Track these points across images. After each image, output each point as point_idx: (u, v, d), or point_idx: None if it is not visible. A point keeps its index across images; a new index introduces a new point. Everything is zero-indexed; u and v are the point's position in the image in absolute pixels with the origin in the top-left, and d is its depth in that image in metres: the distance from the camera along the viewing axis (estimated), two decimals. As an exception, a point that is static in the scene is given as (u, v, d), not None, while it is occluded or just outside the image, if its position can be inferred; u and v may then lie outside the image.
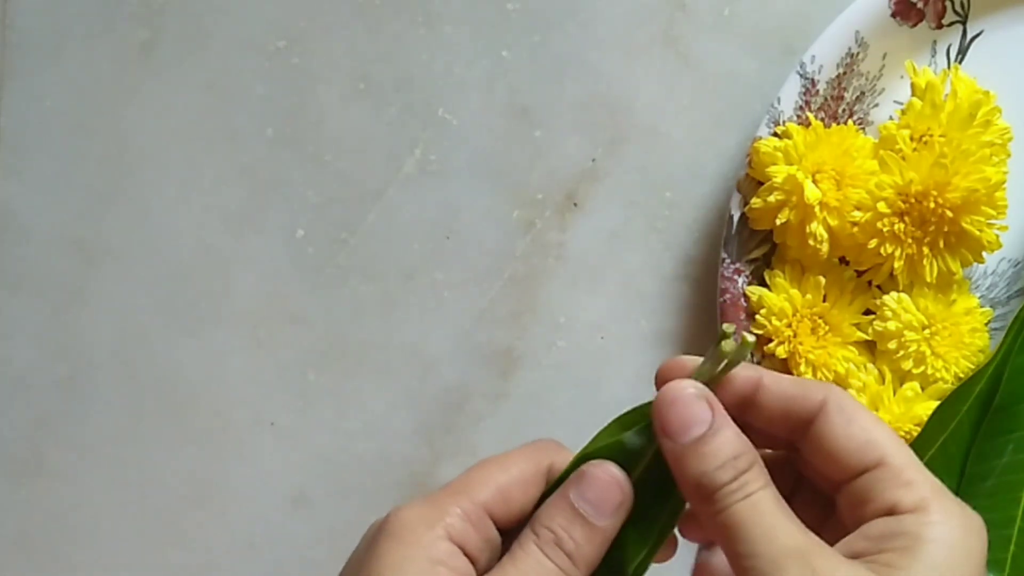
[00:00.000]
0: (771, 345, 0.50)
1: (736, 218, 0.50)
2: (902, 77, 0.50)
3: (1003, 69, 0.50)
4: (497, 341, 0.54)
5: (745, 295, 0.50)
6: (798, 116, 0.50)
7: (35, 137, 0.55)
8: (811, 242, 0.48)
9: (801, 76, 0.49)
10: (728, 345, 0.32)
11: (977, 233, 0.47)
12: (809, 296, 0.49)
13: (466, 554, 0.33)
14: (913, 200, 0.47)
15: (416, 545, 0.32)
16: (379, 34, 0.54)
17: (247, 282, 0.55)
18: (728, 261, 0.50)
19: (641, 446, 0.34)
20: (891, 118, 0.50)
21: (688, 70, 0.54)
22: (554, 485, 0.34)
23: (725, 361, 0.33)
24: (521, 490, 0.34)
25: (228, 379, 0.55)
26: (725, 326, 0.33)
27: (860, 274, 0.50)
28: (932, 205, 0.46)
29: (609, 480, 0.34)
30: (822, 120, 0.50)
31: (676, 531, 0.35)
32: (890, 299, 0.49)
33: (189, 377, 0.55)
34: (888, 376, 0.49)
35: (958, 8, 0.50)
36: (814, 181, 0.48)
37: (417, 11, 0.54)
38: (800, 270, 0.50)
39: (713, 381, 0.33)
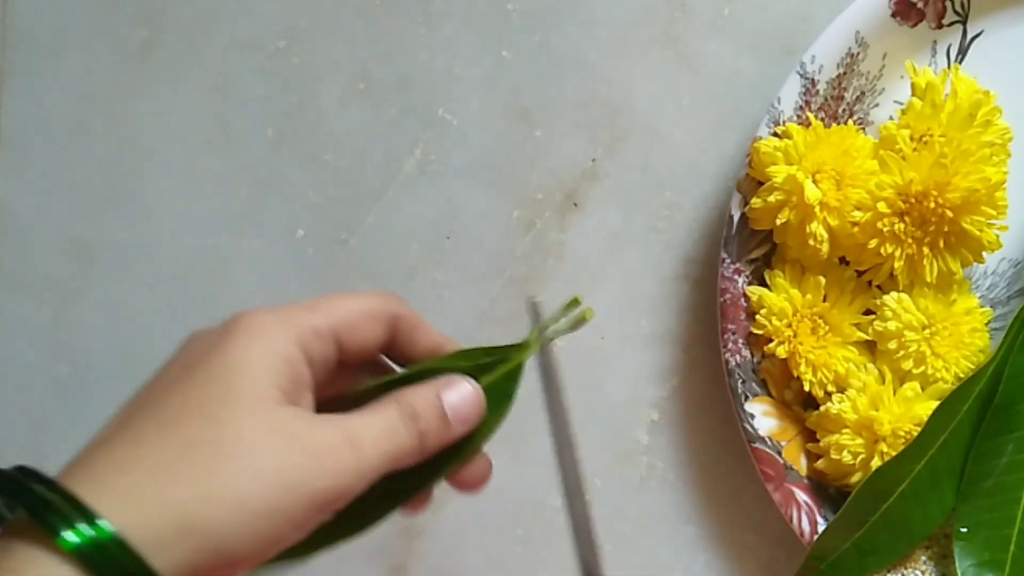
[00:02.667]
0: (771, 345, 0.50)
1: (736, 218, 0.50)
2: (902, 77, 0.50)
3: (1003, 69, 0.50)
4: (497, 341, 0.54)
5: (745, 295, 0.50)
6: (798, 116, 0.50)
7: (35, 137, 0.55)
8: (811, 242, 0.48)
9: (801, 76, 0.49)
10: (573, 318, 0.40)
11: (977, 233, 0.47)
12: (809, 296, 0.49)
13: (309, 365, 0.36)
14: (913, 200, 0.47)
15: (269, 340, 0.35)
16: (379, 34, 0.54)
17: (247, 282, 0.55)
18: (728, 261, 0.50)
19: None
20: (891, 118, 0.50)
21: (688, 70, 0.54)
22: (400, 378, 0.38)
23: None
24: (366, 324, 0.38)
25: (228, 379, 0.55)
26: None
27: (860, 274, 0.50)
28: (932, 205, 0.46)
29: (475, 396, 0.38)
30: (822, 120, 0.50)
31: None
32: (890, 299, 0.49)
33: (189, 377, 0.55)
34: (888, 376, 0.49)
35: (958, 8, 0.50)
36: (814, 181, 0.48)
37: (417, 11, 0.54)
38: (800, 270, 0.50)
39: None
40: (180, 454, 0.32)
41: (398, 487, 0.37)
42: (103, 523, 0.31)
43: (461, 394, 0.38)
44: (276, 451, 0.33)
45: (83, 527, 0.30)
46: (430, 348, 0.40)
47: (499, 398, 0.39)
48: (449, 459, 0.38)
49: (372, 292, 0.39)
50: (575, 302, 0.40)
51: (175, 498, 0.31)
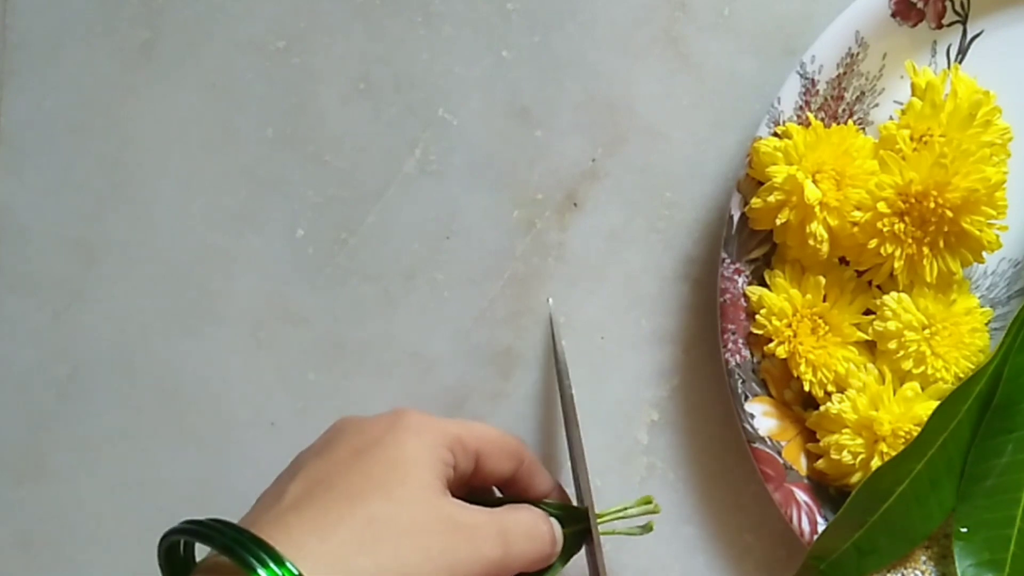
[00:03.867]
0: (771, 345, 0.50)
1: (736, 218, 0.50)
2: (902, 77, 0.50)
3: (1003, 69, 0.50)
4: (497, 341, 0.54)
5: (745, 295, 0.50)
6: (798, 116, 0.50)
7: (35, 137, 0.55)
8: (811, 242, 0.48)
9: (801, 76, 0.49)
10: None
11: (977, 233, 0.47)
12: (809, 296, 0.49)
13: (455, 469, 0.41)
14: (913, 200, 0.47)
15: (432, 439, 0.40)
16: (379, 34, 0.54)
17: (247, 282, 0.55)
18: (728, 261, 0.50)
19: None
20: (891, 118, 0.50)
21: (688, 70, 0.54)
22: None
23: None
24: (501, 456, 0.43)
25: (228, 379, 0.55)
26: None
27: (860, 274, 0.50)
28: (932, 205, 0.46)
29: (552, 539, 0.43)
30: (822, 120, 0.50)
31: None
32: (890, 299, 0.49)
33: (189, 377, 0.55)
34: (888, 376, 0.49)
35: (958, 8, 0.50)
36: (814, 181, 0.48)
37: (417, 11, 0.54)
38: (800, 270, 0.50)
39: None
40: (366, 528, 0.36)
41: None
42: (290, 565, 0.34)
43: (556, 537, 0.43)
44: (442, 534, 0.38)
45: (275, 569, 0.34)
46: (544, 492, 0.46)
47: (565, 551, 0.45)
48: None
49: (508, 434, 0.44)
50: (646, 500, 0.48)
51: (363, 568, 0.35)
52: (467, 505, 0.39)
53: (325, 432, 0.42)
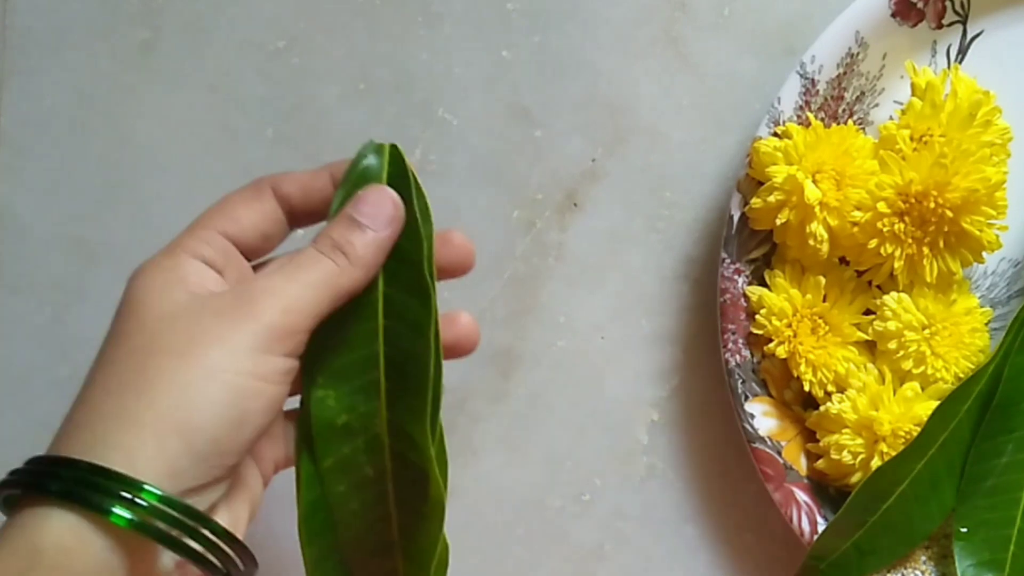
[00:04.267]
0: (771, 345, 0.50)
1: (736, 218, 0.50)
2: (902, 77, 0.50)
3: (1003, 69, 0.50)
4: (497, 341, 0.54)
5: (745, 295, 0.50)
6: (798, 116, 0.50)
7: (35, 137, 0.55)
8: (811, 242, 0.48)
9: (801, 76, 0.49)
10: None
11: (977, 233, 0.47)
12: (809, 296, 0.49)
13: (209, 265, 0.38)
14: (913, 200, 0.47)
15: (157, 268, 0.37)
16: (379, 34, 0.54)
17: (247, 282, 0.55)
18: (728, 261, 0.50)
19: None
20: (891, 118, 0.50)
21: (688, 70, 0.54)
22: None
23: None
24: (244, 207, 0.39)
25: (228, 379, 0.55)
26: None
27: (860, 274, 0.50)
28: (932, 205, 0.46)
29: (383, 194, 0.39)
30: (822, 120, 0.50)
31: None
32: (890, 299, 0.49)
33: (189, 377, 0.55)
34: (888, 376, 0.49)
35: (958, 8, 0.50)
36: (814, 181, 0.48)
37: (417, 11, 0.54)
38: (800, 270, 0.50)
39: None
40: (144, 391, 0.34)
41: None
42: (148, 487, 0.32)
43: (370, 200, 0.39)
44: (201, 333, 0.35)
45: (127, 498, 0.32)
46: (318, 188, 0.40)
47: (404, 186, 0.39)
48: (411, 258, 0.39)
49: (246, 188, 0.41)
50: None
51: (165, 423, 0.33)
52: (210, 295, 0.36)
53: None
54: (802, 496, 0.50)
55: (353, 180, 0.39)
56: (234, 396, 0.34)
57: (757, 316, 0.50)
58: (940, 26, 0.50)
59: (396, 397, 0.38)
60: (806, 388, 0.49)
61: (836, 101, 0.50)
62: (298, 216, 0.40)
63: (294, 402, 0.39)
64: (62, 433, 0.36)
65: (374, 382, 0.38)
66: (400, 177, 0.39)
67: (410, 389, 0.38)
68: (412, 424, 0.38)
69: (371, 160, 0.39)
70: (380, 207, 0.38)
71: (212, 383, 0.34)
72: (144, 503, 0.32)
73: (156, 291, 0.36)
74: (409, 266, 0.38)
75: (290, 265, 0.37)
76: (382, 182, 0.39)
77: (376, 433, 0.39)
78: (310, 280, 0.37)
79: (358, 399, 0.39)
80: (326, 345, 0.38)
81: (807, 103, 0.50)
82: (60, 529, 0.33)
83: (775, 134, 0.49)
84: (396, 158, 0.40)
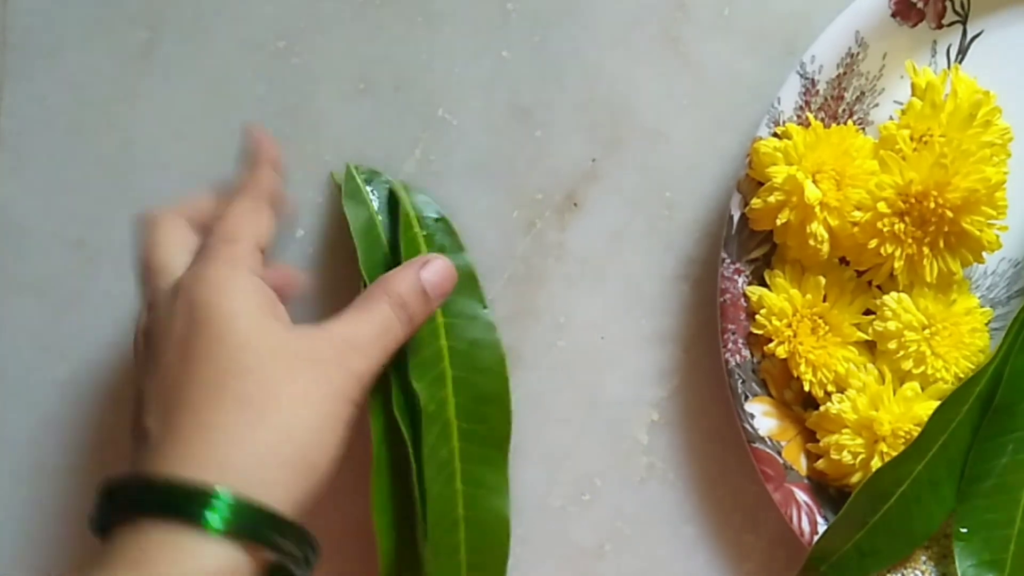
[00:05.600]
0: (771, 345, 0.50)
1: (736, 218, 0.50)
2: (902, 77, 0.50)
3: (1003, 69, 0.50)
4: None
5: (745, 295, 0.50)
6: (798, 116, 0.50)
7: (35, 137, 0.55)
8: (811, 242, 0.48)
9: (801, 76, 0.49)
10: None
11: (977, 233, 0.47)
12: (809, 296, 0.49)
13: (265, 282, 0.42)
14: (913, 200, 0.47)
15: (233, 288, 0.40)
16: (379, 34, 0.54)
17: (247, 282, 0.55)
18: (728, 261, 0.50)
19: None
20: (891, 118, 0.50)
21: (688, 70, 0.54)
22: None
23: None
24: (268, 219, 0.45)
25: (228, 379, 0.55)
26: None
27: (860, 274, 0.50)
28: (932, 205, 0.46)
29: (449, 271, 0.46)
30: (822, 120, 0.50)
31: None
32: (890, 299, 0.49)
33: (189, 377, 0.55)
34: (888, 376, 0.49)
35: (958, 8, 0.50)
36: (814, 181, 0.48)
37: (417, 11, 0.54)
38: (800, 270, 0.50)
39: None
40: (237, 415, 0.37)
41: None
42: (229, 494, 0.35)
43: (439, 272, 0.45)
44: (302, 375, 0.39)
45: (219, 506, 0.34)
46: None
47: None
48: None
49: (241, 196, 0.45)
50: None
51: (258, 449, 0.36)
52: (305, 331, 0.41)
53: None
54: (802, 496, 0.50)
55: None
56: (327, 432, 0.39)
57: (757, 316, 0.50)
58: (940, 26, 0.50)
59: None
60: (806, 388, 0.49)
61: (836, 101, 0.50)
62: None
63: None
64: (160, 448, 0.38)
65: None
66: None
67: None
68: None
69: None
70: (445, 283, 0.45)
71: (310, 416, 0.38)
72: (242, 514, 0.35)
73: (246, 315, 0.39)
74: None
75: (366, 317, 0.42)
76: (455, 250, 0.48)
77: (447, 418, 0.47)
78: (384, 336, 0.42)
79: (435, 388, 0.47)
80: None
81: (807, 103, 0.50)
82: (210, 556, 0.35)
83: (775, 134, 0.49)
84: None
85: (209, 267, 0.40)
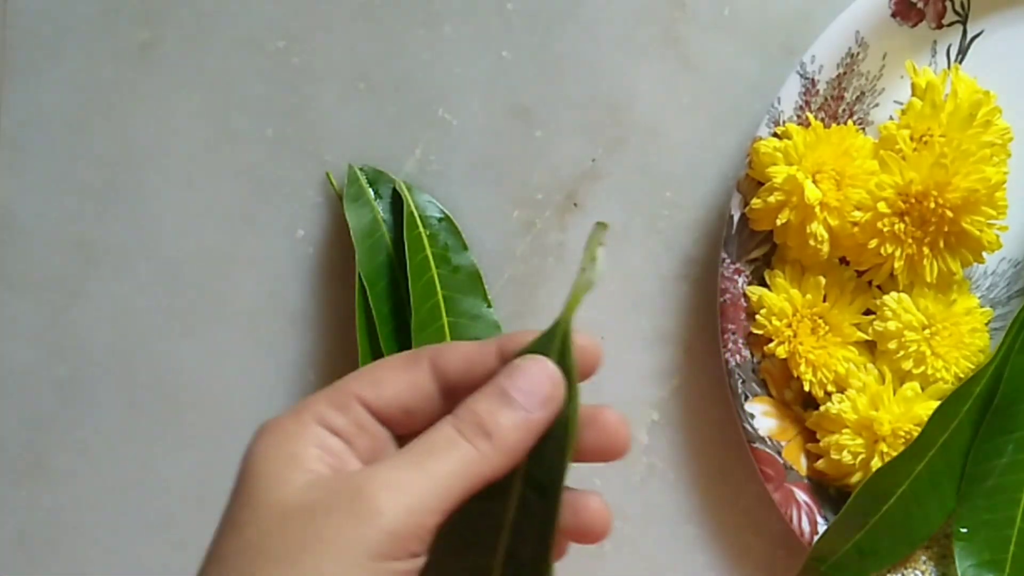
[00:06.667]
0: (771, 345, 0.50)
1: (736, 218, 0.50)
2: (902, 77, 0.50)
3: (1003, 69, 0.50)
4: (497, 341, 0.54)
5: (745, 295, 0.50)
6: (798, 116, 0.50)
7: (35, 137, 0.55)
8: (811, 242, 0.48)
9: (801, 76, 0.49)
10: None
11: (977, 233, 0.47)
12: (809, 296, 0.49)
13: (336, 435, 0.33)
14: (913, 200, 0.47)
15: (282, 433, 0.32)
16: (379, 34, 0.54)
17: (247, 282, 0.55)
18: (728, 261, 0.50)
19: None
20: (891, 118, 0.50)
21: (688, 70, 0.54)
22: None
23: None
24: (392, 375, 0.34)
25: (228, 379, 0.55)
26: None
27: (860, 274, 0.50)
28: (932, 205, 0.46)
29: (542, 370, 0.33)
30: (822, 120, 0.50)
31: None
32: (890, 299, 0.49)
33: (189, 377, 0.55)
34: (888, 376, 0.49)
35: (958, 8, 0.50)
36: (814, 181, 0.48)
37: (417, 11, 0.54)
38: (800, 270, 0.50)
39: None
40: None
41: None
42: None
43: (527, 375, 0.33)
44: (313, 538, 0.30)
45: None
46: (489, 359, 0.34)
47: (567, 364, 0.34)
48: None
49: (402, 354, 0.36)
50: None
51: None
52: (340, 481, 0.31)
53: None
54: (802, 496, 0.50)
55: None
56: None
57: (757, 316, 0.50)
58: (940, 26, 0.50)
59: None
60: (806, 388, 0.49)
61: (836, 101, 0.50)
62: (456, 392, 0.34)
63: None
64: None
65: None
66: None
67: None
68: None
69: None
70: (538, 383, 0.33)
71: None
72: None
73: (273, 472, 0.32)
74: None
75: (420, 450, 0.32)
76: (551, 354, 0.34)
77: None
78: (443, 471, 0.31)
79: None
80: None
81: (807, 103, 0.50)
82: None
83: (775, 134, 0.49)
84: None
85: (280, 417, 0.34)
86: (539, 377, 0.33)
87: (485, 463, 0.31)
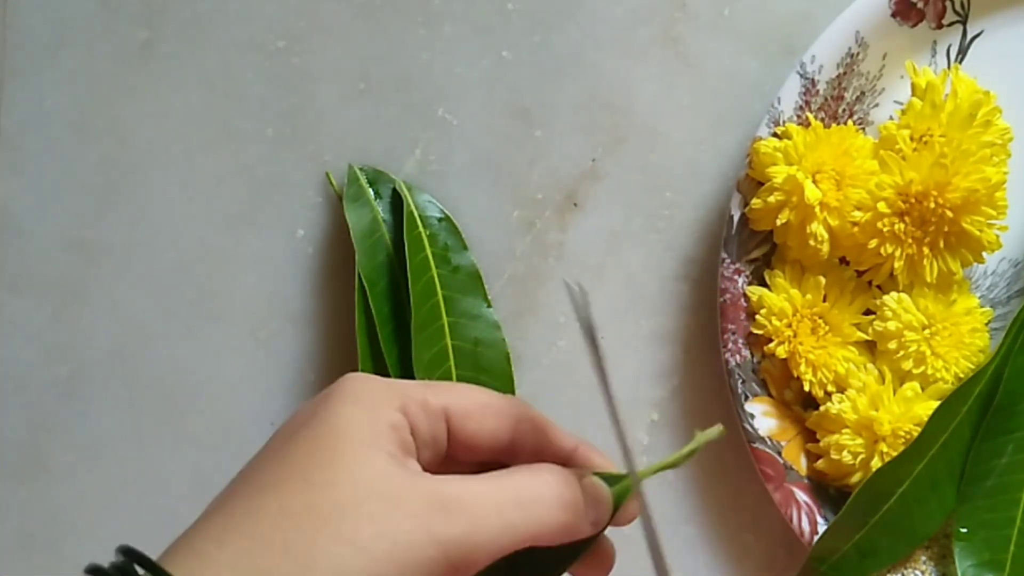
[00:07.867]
0: (771, 345, 0.50)
1: (736, 218, 0.50)
2: (902, 77, 0.50)
3: (1003, 69, 0.50)
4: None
5: (745, 295, 0.50)
6: (798, 116, 0.50)
7: (35, 137, 0.55)
8: (811, 242, 0.48)
9: (801, 76, 0.49)
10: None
11: (977, 233, 0.47)
12: (809, 296, 0.49)
13: (413, 436, 0.33)
14: (913, 200, 0.47)
15: (372, 404, 0.33)
16: (379, 34, 0.54)
17: (247, 282, 0.55)
18: (728, 261, 0.50)
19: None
20: (891, 118, 0.50)
21: (688, 70, 0.54)
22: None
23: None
24: (484, 416, 0.35)
25: (228, 379, 0.55)
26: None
27: (860, 274, 0.50)
28: (932, 205, 0.46)
29: (608, 501, 0.36)
30: (822, 120, 0.50)
31: None
32: (890, 299, 0.49)
33: (189, 377, 0.55)
34: (888, 376, 0.49)
35: (958, 8, 0.50)
36: (814, 181, 0.48)
37: (417, 11, 0.54)
38: (800, 270, 0.50)
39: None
40: (277, 521, 0.30)
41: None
42: None
43: (600, 509, 0.36)
44: (377, 516, 0.30)
45: None
46: (563, 452, 0.37)
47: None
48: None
49: (498, 394, 0.37)
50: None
51: (271, 570, 0.29)
52: (420, 474, 0.32)
53: None
54: (802, 496, 0.50)
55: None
56: None
57: (757, 316, 0.50)
58: (940, 26, 0.50)
59: None
60: (806, 388, 0.49)
61: (836, 101, 0.50)
62: (493, 453, 0.36)
63: None
64: (192, 526, 0.32)
65: None
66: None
67: None
68: None
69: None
70: (604, 515, 0.36)
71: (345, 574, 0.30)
72: None
73: (360, 440, 0.32)
74: None
75: (514, 485, 0.33)
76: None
77: None
78: (515, 520, 0.32)
79: None
80: None
81: (807, 103, 0.50)
82: None
83: (775, 134, 0.49)
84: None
85: (372, 381, 0.34)
86: (605, 511, 0.36)
87: (552, 535, 0.33)
